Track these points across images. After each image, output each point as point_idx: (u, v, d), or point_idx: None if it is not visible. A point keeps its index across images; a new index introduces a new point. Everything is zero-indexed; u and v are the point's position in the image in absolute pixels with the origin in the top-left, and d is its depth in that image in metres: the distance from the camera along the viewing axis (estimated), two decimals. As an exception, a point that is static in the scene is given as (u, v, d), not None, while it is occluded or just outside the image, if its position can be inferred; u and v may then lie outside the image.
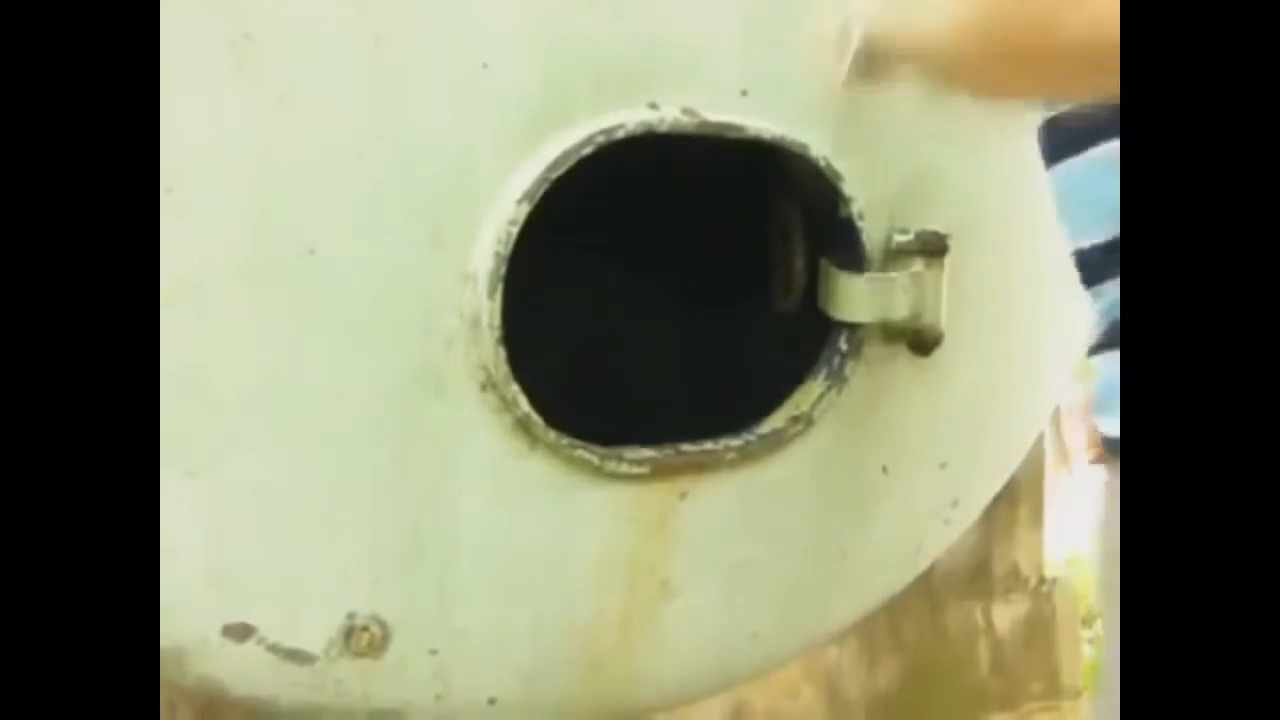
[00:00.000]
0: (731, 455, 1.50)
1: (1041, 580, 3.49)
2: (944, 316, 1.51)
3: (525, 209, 1.31)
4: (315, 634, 1.42)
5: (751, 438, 1.51)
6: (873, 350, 1.53)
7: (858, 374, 1.52)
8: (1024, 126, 1.28)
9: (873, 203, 1.46)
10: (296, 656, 1.43)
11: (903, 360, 1.55)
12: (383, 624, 1.43)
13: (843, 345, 1.51)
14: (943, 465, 1.69)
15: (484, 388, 1.35)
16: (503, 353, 1.33)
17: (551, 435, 1.39)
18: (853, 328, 1.50)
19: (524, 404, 1.36)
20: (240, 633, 1.40)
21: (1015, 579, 3.43)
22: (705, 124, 1.38)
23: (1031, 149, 1.27)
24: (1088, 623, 4.12)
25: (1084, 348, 1.26)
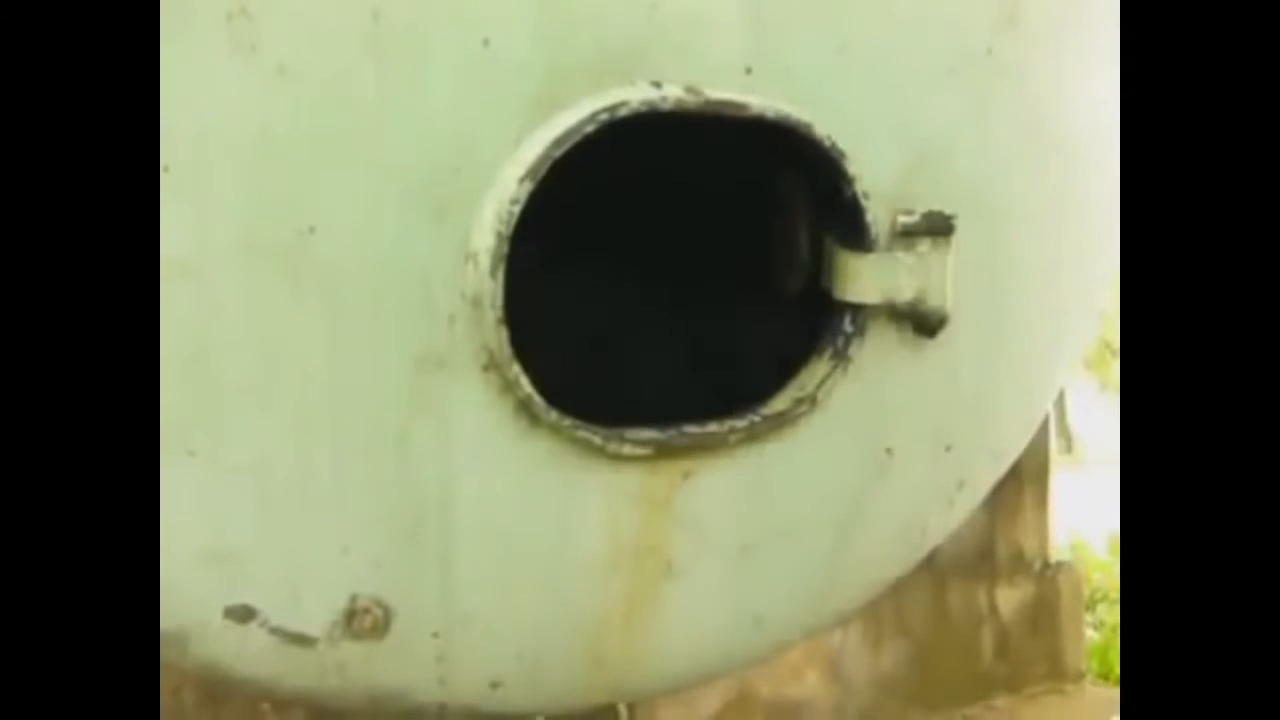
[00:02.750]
0: (736, 436, 1.49)
1: (1046, 564, 3.49)
2: (950, 298, 1.50)
3: (528, 187, 1.29)
4: (317, 616, 1.42)
5: (756, 419, 1.50)
6: (877, 331, 1.52)
7: (862, 355, 1.51)
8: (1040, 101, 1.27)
9: (878, 181, 1.45)
10: (298, 639, 1.42)
11: (908, 341, 1.54)
12: (385, 606, 1.43)
13: (847, 326, 1.50)
14: (948, 448, 1.68)
15: (486, 368, 1.35)
16: (505, 333, 1.32)
17: (554, 416, 1.38)
18: (857, 308, 1.49)
19: (526, 385, 1.35)
20: (242, 615, 1.39)
21: (1020, 562, 3.43)
22: (708, 102, 1.37)
23: (1048, 129, 1.26)
24: (1091, 606, 4.13)
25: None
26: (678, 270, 1.91)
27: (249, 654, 1.44)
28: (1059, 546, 3.73)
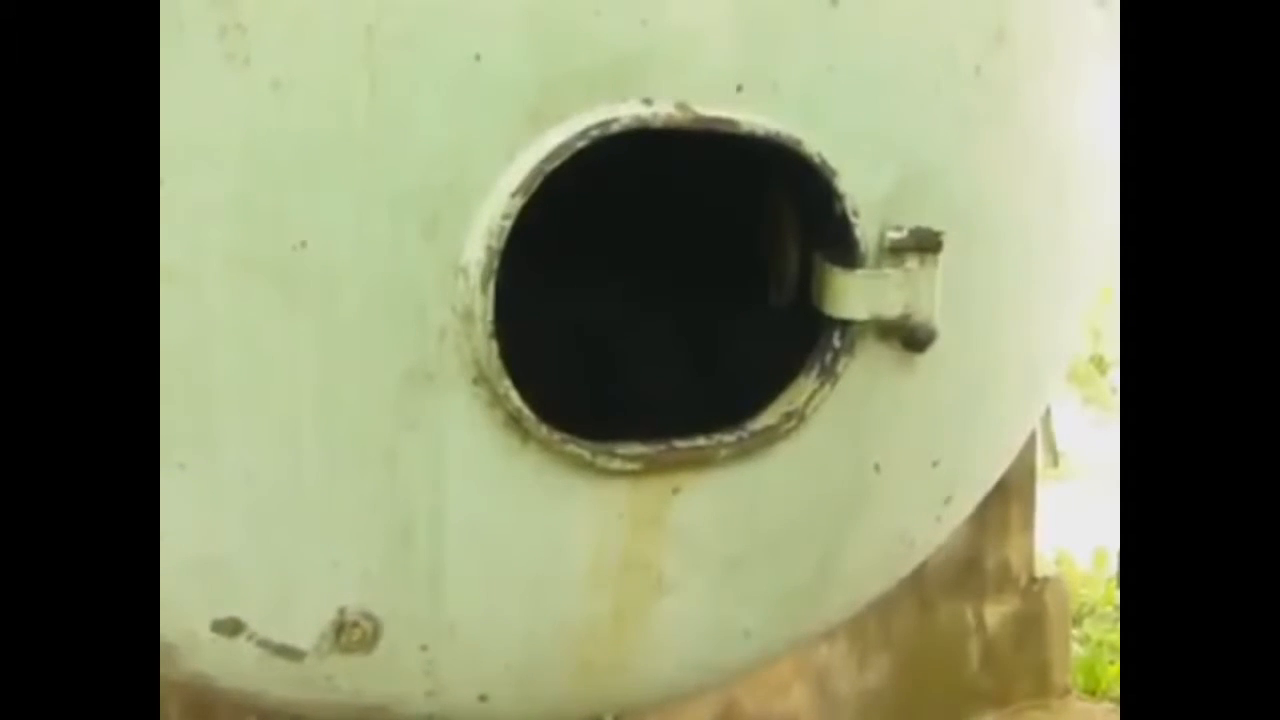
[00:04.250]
0: (725, 451, 1.49)
1: (1032, 579, 3.50)
2: (938, 314, 1.51)
3: (519, 202, 1.30)
4: (305, 629, 1.42)
5: (744, 434, 1.50)
6: (865, 347, 1.52)
7: (850, 371, 1.51)
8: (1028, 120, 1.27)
9: (867, 199, 1.46)
10: (286, 652, 1.42)
11: (896, 357, 1.55)
12: (373, 619, 1.43)
13: (835, 342, 1.50)
14: (935, 463, 1.69)
15: (476, 382, 1.35)
16: (495, 347, 1.33)
17: (543, 430, 1.38)
18: (846, 324, 1.50)
19: (516, 398, 1.36)
20: (230, 628, 1.39)
21: (1006, 577, 3.44)
22: (699, 119, 1.38)
23: (1036, 146, 1.26)
24: (1077, 621, 4.14)
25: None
26: (674, 282, 1.92)
27: (237, 666, 1.44)
28: (1045, 561, 3.74)
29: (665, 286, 1.95)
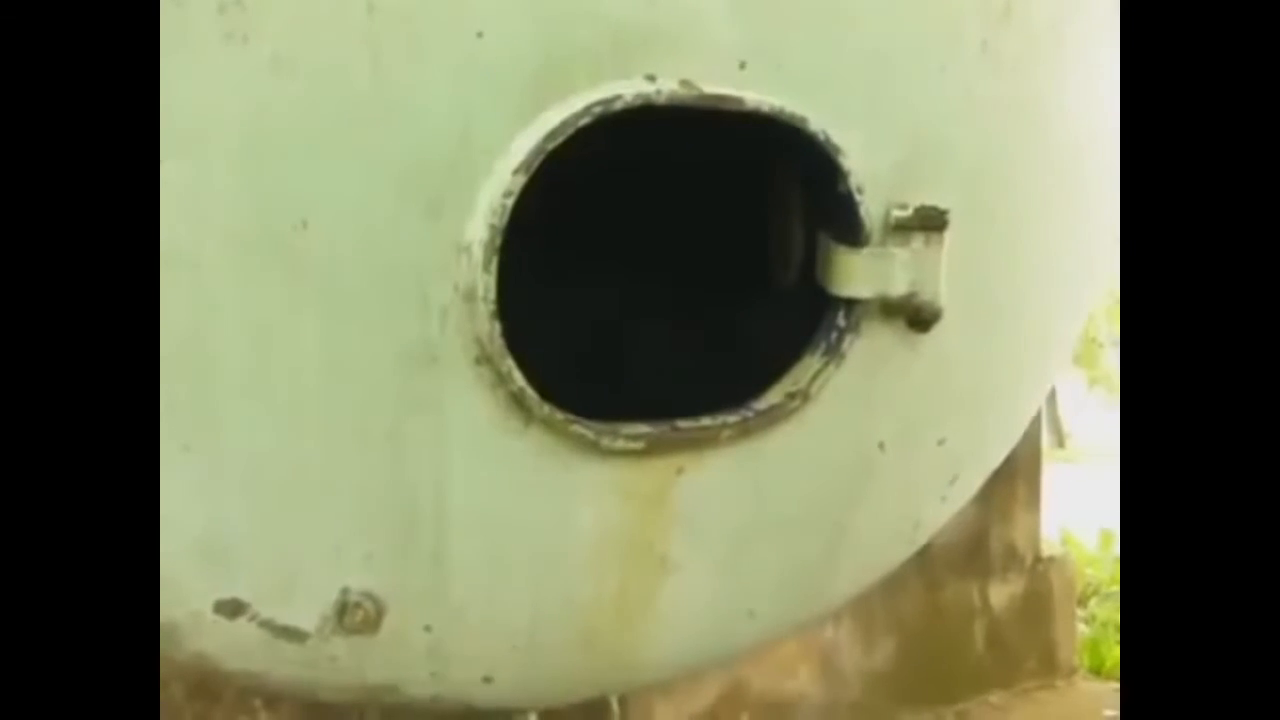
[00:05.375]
0: (729, 431, 1.49)
1: (1038, 559, 3.50)
2: (943, 293, 1.50)
3: (521, 180, 1.29)
4: (309, 610, 1.42)
5: (749, 414, 1.50)
6: (871, 326, 1.51)
7: (855, 350, 1.51)
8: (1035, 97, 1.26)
9: (872, 176, 1.45)
10: (289, 633, 1.42)
11: (901, 336, 1.54)
12: (377, 600, 1.42)
13: (840, 321, 1.50)
14: (941, 442, 1.68)
15: (479, 361, 1.34)
16: (498, 326, 1.32)
17: (546, 410, 1.38)
18: (851, 303, 1.49)
19: (519, 378, 1.35)
20: (233, 609, 1.39)
21: (1012, 558, 3.44)
22: (703, 96, 1.37)
23: (1043, 125, 1.25)
24: (1083, 601, 4.14)
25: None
26: (676, 263, 1.91)
27: (240, 647, 1.44)
28: (1050, 541, 3.74)
29: (670, 269, 1.94)
